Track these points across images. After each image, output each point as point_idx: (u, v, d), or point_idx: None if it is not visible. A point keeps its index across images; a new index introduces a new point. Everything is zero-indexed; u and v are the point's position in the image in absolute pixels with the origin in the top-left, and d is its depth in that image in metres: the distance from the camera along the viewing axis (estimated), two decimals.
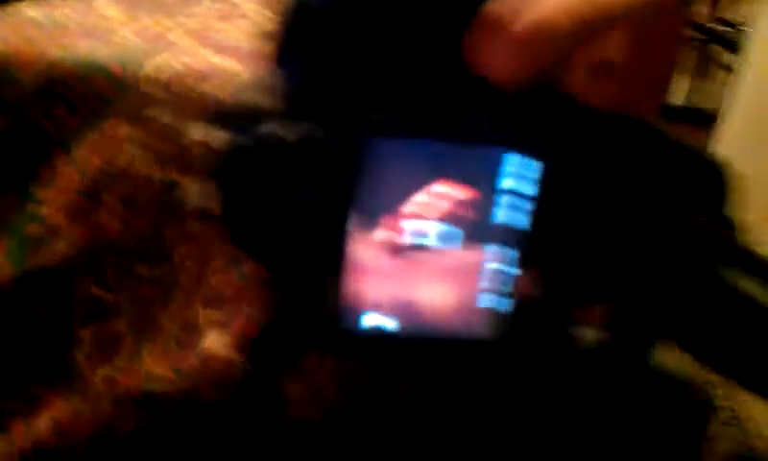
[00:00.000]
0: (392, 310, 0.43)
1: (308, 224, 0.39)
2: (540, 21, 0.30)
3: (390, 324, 0.43)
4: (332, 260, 0.41)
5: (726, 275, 0.41)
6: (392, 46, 0.37)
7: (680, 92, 3.45)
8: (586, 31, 0.31)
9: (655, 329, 0.46)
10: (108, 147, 0.72)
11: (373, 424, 0.65)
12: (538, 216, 0.41)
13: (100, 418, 0.77)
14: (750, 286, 0.41)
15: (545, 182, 0.40)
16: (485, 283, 0.43)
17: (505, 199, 0.42)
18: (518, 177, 0.41)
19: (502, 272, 0.42)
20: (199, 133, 0.39)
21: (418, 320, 0.43)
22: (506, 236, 0.42)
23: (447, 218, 0.42)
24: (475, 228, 0.42)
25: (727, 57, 3.07)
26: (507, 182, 0.41)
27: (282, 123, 0.37)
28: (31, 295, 0.77)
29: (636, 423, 0.54)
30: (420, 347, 0.44)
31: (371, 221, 0.41)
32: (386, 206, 0.41)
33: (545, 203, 0.41)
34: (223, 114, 0.38)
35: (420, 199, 0.41)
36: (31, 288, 0.77)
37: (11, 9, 0.79)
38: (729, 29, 3.09)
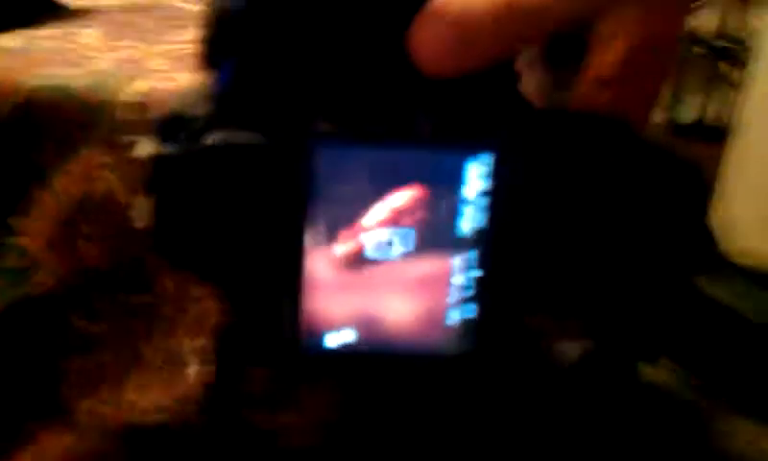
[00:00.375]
0: (355, 328, 0.41)
1: (257, 240, 0.38)
2: (465, 18, 0.30)
3: (354, 342, 0.41)
4: (289, 278, 0.39)
5: (704, 283, 0.39)
6: (325, 46, 0.35)
7: (691, 109, 3.42)
8: (509, 33, 0.31)
9: (636, 340, 0.44)
10: (85, 175, 0.71)
11: (374, 443, 0.63)
12: (496, 215, 0.39)
13: (86, 452, 0.75)
14: (728, 295, 0.39)
15: (501, 179, 0.38)
16: (453, 293, 0.41)
17: (468, 202, 0.40)
18: (478, 177, 0.39)
19: (468, 279, 0.41)
20: (146, 148, 0.38)
21: (383, 337, 0.41)
22: (470, 241, 0.40)
23: (407, 226, 0.40)
24: (440, 235, 0.40)
25: (736, 72, 3.04)
26: (469, 185, 0.40)
27: (219, 131, 0.35)
28: (16, 329, 0.76)
29: (628, 440, 0.51)
30: (387, 364, 0.42)
31: (328, 235, 0.39)
32: (343, 218, 0.39)
33: (502, 200, 0.39)
34: (164, 126, 0.36)
35: (377, 209, 0.40)
36: (15, 322, 0.75)
37: None
38: (735, 44, 3.07)
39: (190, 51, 0.81)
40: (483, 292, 0.41)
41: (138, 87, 0.71)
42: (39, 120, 0.71)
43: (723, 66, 3.19)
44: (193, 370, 0.71)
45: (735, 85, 2.86)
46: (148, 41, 0.84)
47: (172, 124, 0.37)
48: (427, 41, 0.32)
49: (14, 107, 0.70)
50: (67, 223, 0.72)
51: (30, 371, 0.77)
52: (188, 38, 0.86)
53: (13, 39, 0.80)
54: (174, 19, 0.97)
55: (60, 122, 0.71)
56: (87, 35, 0.85)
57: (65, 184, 0.71)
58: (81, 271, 0.73)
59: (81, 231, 0.72)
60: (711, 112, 3.38)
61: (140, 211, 0.37)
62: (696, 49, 3.06)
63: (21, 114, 0.71)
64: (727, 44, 3.04)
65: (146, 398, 0.75)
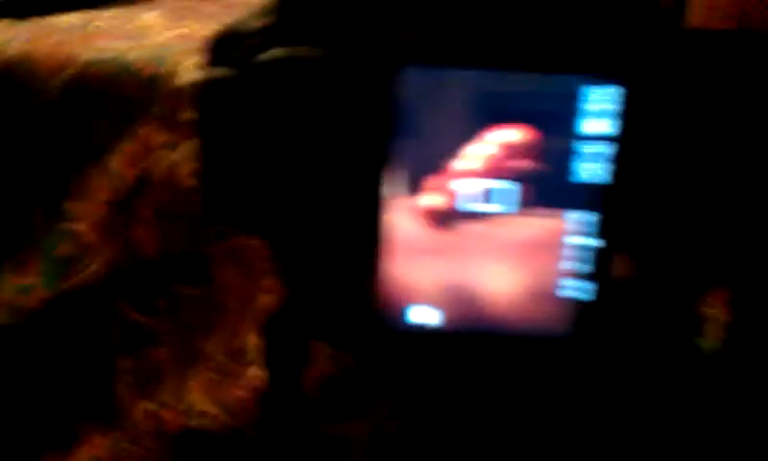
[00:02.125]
0: (443, 300, 0.34)
1: (324, 186, 0.31)
2: None
3: (443, 318, 0.34)
4: (364, 235, 0.32)
5: None
6: None
7: None
8: None
9: None
10: (142, 155, 0.66)
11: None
12: (623, 166, 0.31)
13: (141, 456, 0.70)
14: None
15: (630, 118, 0.30)
16: (566, 262, 0.33)
17: (587, 146, 0.32)
18: (600, 115, 0.31)
19: (584, 246, 0.33)
20: (190, 74, 0.31)
21: (478, 312, 0.34)
22: (588, 197, 0.32)
23: (511, 175, 0.33)
24: (549, 187, 0.33)
25: None
26: (588, 124, 0.32)
27: (279, 47, 0.28)
28: (66, 321, 0.71)
29: None
30: (478, 346, 0.34)
31: (411, 181, 0.32)
32: (432, 161, 0.32)
33: (632, 147, 0.31)
34: (214, 46, 0.30)
35: (474, 151, 0.32)
36: (66, 313, 0.71)
37: (50, 18, 0.76)
38: None
39: None
40: (604, 263, 0.33)
41: (199, 60, 0.66)
42: (93, 96, 0.67)
43: None
44: (253, 370, 0.66)
45: None
46: (215, 22, 0.80)
47: (223, 43, 0.31)
48: None
49: (67, 81, 0.66)
50: (122, 206, 0.67)
51: (81, 367, 0.72)
52: None
53: (72, 18, 0.77)
54: (238, 7, 0.94)
55: (115, 97, 0.66)
56: (149, 16, 0.81)
57: (120, 165, 0.67)
58: (136, 259, 0.68)
59: (137, 216, 0.67)
60: None
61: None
62: None
63: (74, 89, 0.67)
64: None
65: (205, 399, 0.69)
